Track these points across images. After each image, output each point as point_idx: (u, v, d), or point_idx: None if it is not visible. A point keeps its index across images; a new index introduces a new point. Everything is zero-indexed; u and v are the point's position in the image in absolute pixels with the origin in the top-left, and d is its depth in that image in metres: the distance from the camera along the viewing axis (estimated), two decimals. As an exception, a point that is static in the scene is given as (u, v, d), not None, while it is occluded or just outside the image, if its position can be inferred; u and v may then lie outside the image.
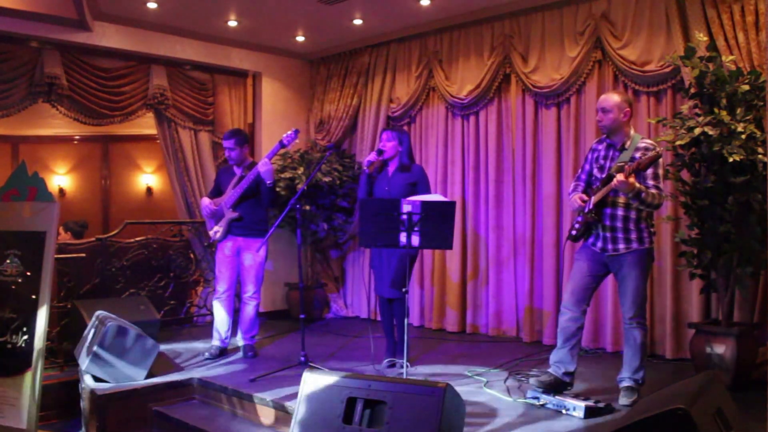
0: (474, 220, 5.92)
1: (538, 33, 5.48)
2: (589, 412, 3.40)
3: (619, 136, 3.69)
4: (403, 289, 4.36)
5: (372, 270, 4.68)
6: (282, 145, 4.80)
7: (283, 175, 6.48)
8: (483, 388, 4.03)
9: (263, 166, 4.73)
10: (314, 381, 3.00)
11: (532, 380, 3.83)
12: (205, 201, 5.09)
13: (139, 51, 6.12)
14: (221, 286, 5.04)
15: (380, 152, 4.58)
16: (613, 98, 3.67)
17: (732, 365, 3.91)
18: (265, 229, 5.00)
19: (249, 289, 4.98)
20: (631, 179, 3.39)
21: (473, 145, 5.98)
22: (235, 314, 5.17)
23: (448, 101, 6.07)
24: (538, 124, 5.56)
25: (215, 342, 5.06)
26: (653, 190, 3.50)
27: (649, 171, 3.51)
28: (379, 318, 6.67)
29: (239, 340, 5.09)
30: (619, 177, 3.39)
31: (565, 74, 5.23)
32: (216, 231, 5.00)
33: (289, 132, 4.80)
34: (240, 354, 5.02)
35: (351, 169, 6.77)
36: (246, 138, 5.09)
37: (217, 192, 5.12)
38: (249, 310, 5.00)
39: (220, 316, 5.06)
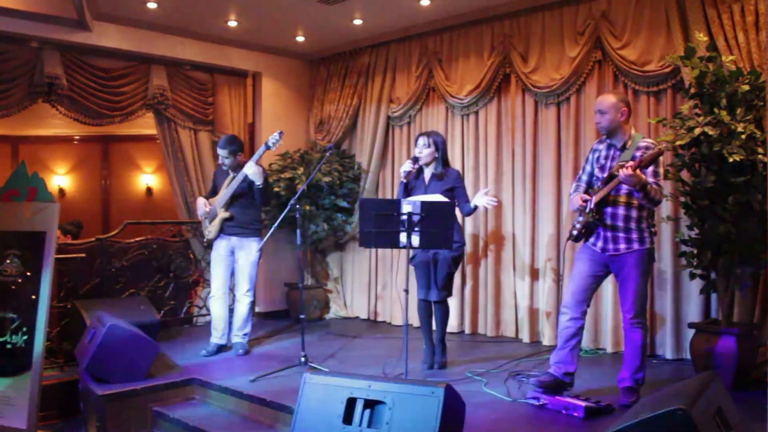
0: (473, 220, 5.92)
1: (538, 33, 5.48)
2: (589, 412, 3.40)
3: (620, 136, 3.69)
4: (444, 293, 4.45)
5: (416, 272, 4.55)
6: (267, 147, 4.84)
7: (283, 175, 6.48)
8: (483, 388, 4.03)
9: (249, 168, 4.78)
10: (314, 381, 3.00)
11: (532, 380, 3.83)
12: (201, 201, 5.19)
13: (139, 51, 6.12)
14: (216, 286, 5.14)
15: (415, 160, 4.45)
16: (609, 99, 3.68)
17: (732, 365, 3.90)
18: (258, 228, 5.13)
19: (243, 287, 5.05)
20: (637, 172, 3.40)
21: (473, 145, 5.98)
22: (230, 312, 5.23)
23: (448, 101, 6.07)
24: (538, 124, 5.56)
25: (213, 339, 5.12)
26: (654, 186, 3.51)
27: (650, 168, 3.52)
28: (380, 320, 6.70)
29: (232, 338, 5.16)
30: (625, 171, 3.39)
31: (565, 74, 5.22)
32: (209, 231, 5.10)
33: (273, 134, 4.85)
34: (232, 351, 5.08)
35: (351, 169, 6.77)
36: (240, 146, 5.08)
37: (214, 192, 5.22)
38: (242, 307, 5.07)
39: (217, 315, 5.14)
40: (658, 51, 4.76)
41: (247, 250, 5.02)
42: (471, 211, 4.45)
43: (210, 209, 5.09)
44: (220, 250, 5.08)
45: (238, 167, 5.02)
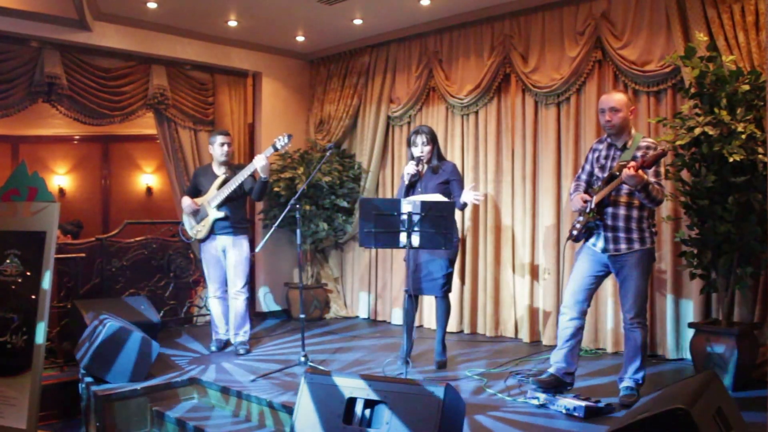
0: (473, 220, 5.92)
1: (538, 33, 5.48)
2: (589, 412, 3.40)
3: (624, 136, 3.69)
4: (445, 288, 4.46)
5: (409, 267, 4.51)
6: (275, 148, 4.84)
7: (283, 175, 6.48)
8: (483, 388, 4.03)
9: (260, 161, 4.78)
10: (314, 381, 3.00)
11: (532, 380, 3.83)
12: (188, 200, 5.13)
13: (139, 51, 6.11)
14: (213, 286, 5.18)
15: (419, 161, 4.48)
16: (621, 96, 3.69)
17: (732, 365, 3.91)
18: (247, 227, 5.18)
19: (237, 285, 5.06)
20: (640, 172, 3.40)
21: (473, 145, 5.98)
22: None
23: (448, 101, 6.07)
24: (538, 124, 5.56)
25: (217, 336, 5.22)
26: (656, 186, 3.51)
27: (651, 168, 3.52)
28: (380, 319, 6.70)
29: (231, 337, 5.18)
30: (628, 171, 3.39)
31: (565, 74, 5.22)
32: (197, 230, 5.09)
33: (282, 137, 4.84)
34: (232, 351, 5.09)
35: (351, 169, 6.77)
36: None
37: (194, 192, 5.19)
38: (239, 306, 5.08)
39: (218, 313, 5.21)
40: (658, 51, 4.76)
41: (238, 248, 5.04)
42: (463, 207, 4.46)
43: (198, 208, 5.06)
44: (212, 250, 5.08)
45: (232, 168, 5.07)
